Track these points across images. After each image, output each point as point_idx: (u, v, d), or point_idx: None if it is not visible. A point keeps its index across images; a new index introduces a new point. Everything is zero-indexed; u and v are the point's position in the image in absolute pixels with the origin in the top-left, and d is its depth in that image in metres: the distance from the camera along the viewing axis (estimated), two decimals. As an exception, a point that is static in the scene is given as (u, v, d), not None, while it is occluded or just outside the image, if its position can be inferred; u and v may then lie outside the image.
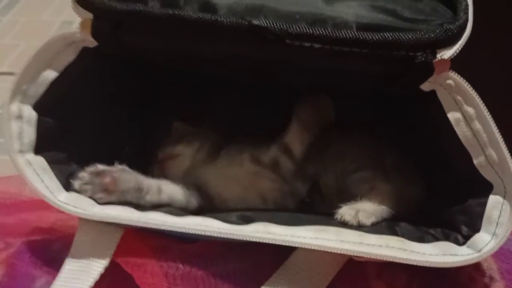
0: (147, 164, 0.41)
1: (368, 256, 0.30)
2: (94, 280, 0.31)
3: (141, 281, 0.30)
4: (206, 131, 0.45)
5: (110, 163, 0.36)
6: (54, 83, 0.33)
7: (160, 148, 0.43)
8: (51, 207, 0.32)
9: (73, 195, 0.33)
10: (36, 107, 0.33)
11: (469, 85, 0.29)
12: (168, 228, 0.31)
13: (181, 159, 0.42)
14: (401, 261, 0.30)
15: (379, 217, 0.34)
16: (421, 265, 0.29)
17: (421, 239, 0.32)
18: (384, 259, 0.30)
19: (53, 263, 0.35)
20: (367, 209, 0.34)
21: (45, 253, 0.36)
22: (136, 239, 0.31)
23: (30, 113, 0.33)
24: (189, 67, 0.38)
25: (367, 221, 0.33)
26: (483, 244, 0.30)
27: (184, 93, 0.47)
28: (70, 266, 0.32)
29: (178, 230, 0.31)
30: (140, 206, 0.34)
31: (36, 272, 0.35)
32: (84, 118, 0.36)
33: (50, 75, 0.33)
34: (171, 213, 0.33)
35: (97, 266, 0.31)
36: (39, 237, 0.38)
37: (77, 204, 0.32)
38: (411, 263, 0.30)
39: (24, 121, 0.32)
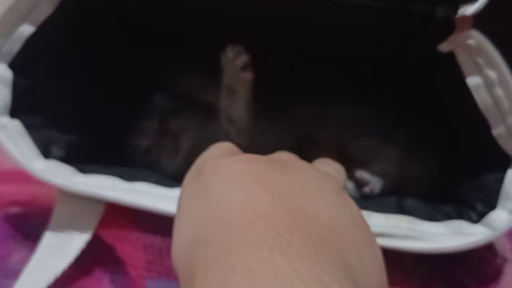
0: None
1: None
2: (75, 255, 0.29)
3: (123, 252, 0.28)
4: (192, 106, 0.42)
5: (92, 129, 0.33)
6: (31, 39, 0.30)
7: (168, 120, 0.40)
8: (31, 179, 0.29)
9: (52, 163, 0.30)
10: (12, 65, 0.30)
11: (493, 46, 0.26)
12: (155, 207, 0.28)
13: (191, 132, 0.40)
14: (411, 251, 0.28)
15: (382, 187, 0.31)
16: (433, 252, 0.27)
17: (431, 217, 0.30)
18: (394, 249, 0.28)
19: (32, 237, 0.32)
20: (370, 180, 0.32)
21: (23, 226, 0.34)
22: (119, 210, 0.29)
23: (4, 72, 0.29)
24: (171, 18, 0.35)
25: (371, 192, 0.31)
26: (499, 221, 0.27)
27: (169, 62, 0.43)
28: (48, 240, 0.29)
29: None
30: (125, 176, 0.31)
31: (14, 246, 0.32)
32: (64, 79, 0.33)
33: (27, 30, 0.30)
34: (160, 183, 0.30)
35: (78, 240, 0.29)
36: (17, 210, 0.36)
37: (56, 173, 0.30)
38: (423, 252, 0.27)
39: (-1, 81, 0.29)
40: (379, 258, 0.21)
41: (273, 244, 0.17)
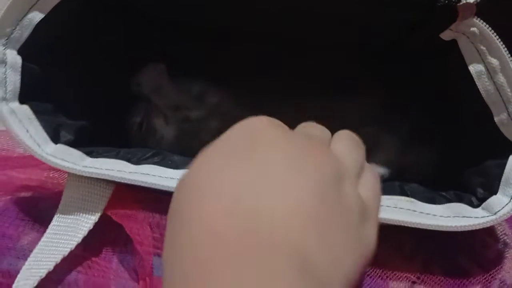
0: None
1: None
2: (82, 236, 0.29)
3: (130, 230, 0.29)
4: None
5: (101, 115, 0.34)
6: (40, 26, 0.30)
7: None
8: (41, 164, 0.30)
9: (61, 147, 0.31)
10: (21, 51, 0.30)
11: (495, 34, 0.26)
12: (161, 183, 0.29)
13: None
14: (410, 225, 0.28)
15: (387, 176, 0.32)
16: (432, 229, 0.27)
17: (432, 200, 0.30)
18: (392, 223, 0.28)
19: (42, 221, 0.33)
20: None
21: (33, 210, 0.34)
22: (126, 193, 0.29)
23: (14, 58, 0.30)
24: (176, 12, 0.35)
25: None
26: (500, 206, 0.28)
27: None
28: (57, 222, 0.30)
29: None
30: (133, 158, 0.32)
31: (23, 229, 0.33)
32: (73, 66, 0.34)
33: (36, 16, 0.30)
34: (164, 163, 0.31)
35: (86, 222, 0.30)
36: (27, 194, 0.36)
37: (65, 157, 0.30)
38: (421, 227, 0.28)
39: (8, 67, 0.30)
40: (358, 234, 0.21)
41: (223, 261, 0.17)
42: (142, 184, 0.29)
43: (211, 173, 0.20)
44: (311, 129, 0.27)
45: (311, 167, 0.21)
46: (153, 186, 0.29)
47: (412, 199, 0.30)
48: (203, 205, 0.19)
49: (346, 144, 0.26)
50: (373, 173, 0.27)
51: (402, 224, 0.28)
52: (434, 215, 0.28)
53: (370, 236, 0.23)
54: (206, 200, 0.19)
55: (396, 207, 0.28)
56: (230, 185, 0.19)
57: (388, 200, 0.29)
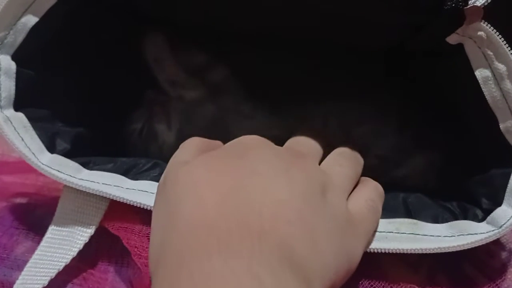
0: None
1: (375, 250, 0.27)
2: (78, 250, 0.29)
3: (128, 242, 0.29)
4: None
5: (99, 122, 0.33)
6: (35, 30, 0.29)
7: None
8: (37, 170, 0.29)
9: (57, 158, 0.30)
10: (15, 57, 0.29)
11: (502, 39, 0.25)
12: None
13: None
14: (413, 252, 0.27)
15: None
16: (436, 252, 0.27)
17: (435, 218, 0.29)
18: (394, 252, 0.27)
19: (37, 229, 0.32)
20: None
21: (28, 218, 0.34)
22: (124, 204, 0.29)
23: (8, 64, 0.29)
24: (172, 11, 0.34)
25: None
26: (505, 218, 0.27)
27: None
28: (52, 235, 0.29)
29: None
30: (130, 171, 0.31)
31: (18, 237, 0.32)
32: (69, 71, 0.33)
33: (30, 20, 0.29)
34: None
35: (81, 235, 0.29)
36: (22, 201, 0.36)
37: (61, 169, 0.30)
38: (425, 252, 0.27)
39: (2, 73, 0.29)
40: (342, 241, 0.22)
41: (212, 249, 0.18)
42: (139, 205, 0.28)
43: (206, 170, 0.22)
44: (299, 145, 0.29)
45: (296, 175, 0.22)
46: (150, 208, 0.28)
47: (415, 221, 0.29)
48: (197, 196, 0.20)
49: (335, 159, 0.28)
50: (370, 189, 0.28)
51: (405, 252, 0.27)
52: (438, 236, 0.28)
53: (355, 250, 0.24)
54: (201, 193, 0.20)
55: (398, 232, 0.28)
56: (222, 182, 0.21)
57: (390, 225, 0.28)
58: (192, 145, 0.27)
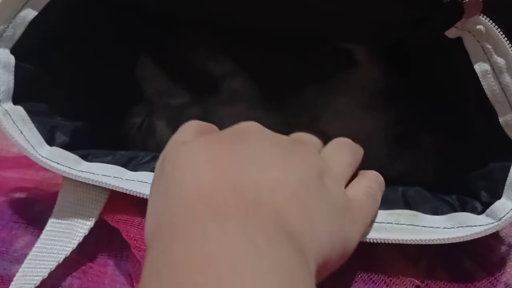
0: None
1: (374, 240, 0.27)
2: (77, 242, 0.29)
3: (127, 235, 0.29)
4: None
5: (98, 116, 0.33)
6: (34, 24, 0.29)
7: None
8: (36, 164, 0.29)
9: (56, 150, 0.30)
10: (14, 50, 0.29)
11: (501, 32, 0.25)
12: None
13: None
14: (412, 243, 0.27)
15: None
16: (435, 243, 0.27)
17: (434, 210, 0.29)
18: (394, 242, 0.27)
19: (37, 223, 0.32)
20: None
21: (27, 212, 0.34)
22: (123, 197, 0.29)
23: (7, 58, 0.29)
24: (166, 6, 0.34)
25: None
26: (504, 211, 0.27)
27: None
28: (51, 228, 0.29)
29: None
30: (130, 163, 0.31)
31: (17, 231, 0.32)
32: (69, 65, 0.33)
33: (29, 14, 0.29)
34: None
35: (81, 228, 0.29)
36: (22, 196, 0.36)
37: (60, 161, 0.30)
38: (424, 243, 0.27)
39: (1, 67, 0.29)
40: (338, 225, 0.22)
41: (207, 217, 0.18)
42: (139, 195, 0.28)
43: (206, 150, 0.22)
44: (300, 135, 0.29)
45: (295, 160, 0.23)
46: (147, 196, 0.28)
47: (415, 212, 0.29)
48: (195, 173, 0.21)
49: (335, 147, 0.29)
50: (369, 178, 0.28)
51: (405, 243, 0.27)
52: (437, 227, 0.28)
53: (351, 235, 0.24)
54: (199, 170, 0.21)
55: (398, 223, 0.28)
56: (221, 162, 0.21)
57: (389, 216, 0.28)
58: (191, 127, 0.27)
